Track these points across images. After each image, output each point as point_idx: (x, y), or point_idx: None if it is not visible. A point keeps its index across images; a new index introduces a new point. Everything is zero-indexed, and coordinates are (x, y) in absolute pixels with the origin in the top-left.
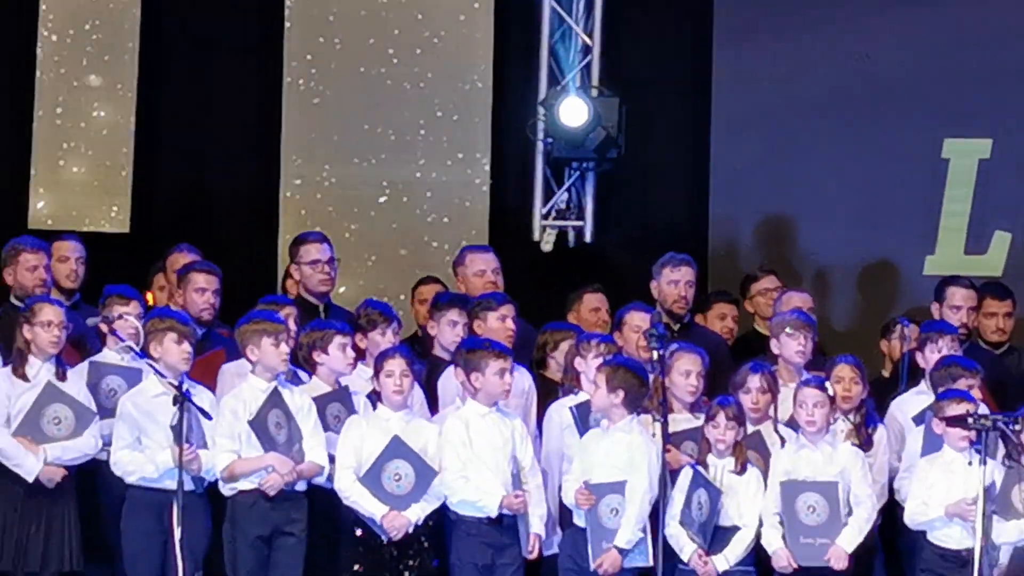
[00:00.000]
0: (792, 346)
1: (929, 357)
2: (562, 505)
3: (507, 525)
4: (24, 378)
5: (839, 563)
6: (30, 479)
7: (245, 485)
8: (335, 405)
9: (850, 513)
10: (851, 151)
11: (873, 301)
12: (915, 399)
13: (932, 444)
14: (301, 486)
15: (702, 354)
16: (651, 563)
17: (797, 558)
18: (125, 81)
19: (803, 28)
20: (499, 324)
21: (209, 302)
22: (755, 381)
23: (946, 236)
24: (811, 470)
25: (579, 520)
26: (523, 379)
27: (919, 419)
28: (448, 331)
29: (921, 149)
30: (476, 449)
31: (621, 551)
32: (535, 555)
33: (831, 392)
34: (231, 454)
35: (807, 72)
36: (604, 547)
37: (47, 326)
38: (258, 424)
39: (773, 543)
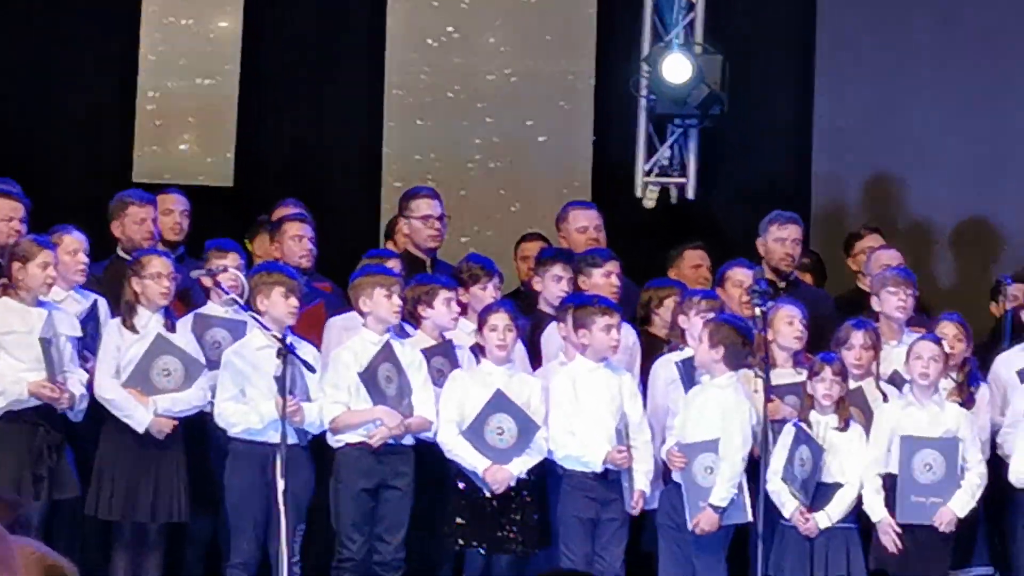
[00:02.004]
0: (892, 302)
1: None
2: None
3: (612, 480)
4: (133, 330)
5: (947, 526)
6: (140, 430)
7: (352, 438)
8: (439, 359)
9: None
10: (956, 108)
11: (978, 259)
12: (1020, 355)
13: None
14: (408, 440)
15: (800, 305)
16: (749, 519)
17: (905, 515)
18: (230, 36)
19: None
20: (604, 280)
21: (306, 248)
22: (858, 337)
23: None
24: (916, 428)
25: (678, 476)
26: (627, 335)
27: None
28: (553, 286)
29: None
30: (582, 404)
31: (717, 509)
32: (638, 511)
33: (947, 348)
34: (340, 406)
35: (912, 28)
36: (700, 506)
37: (156, 278)
38: (368, 377)
39: (877, 511)
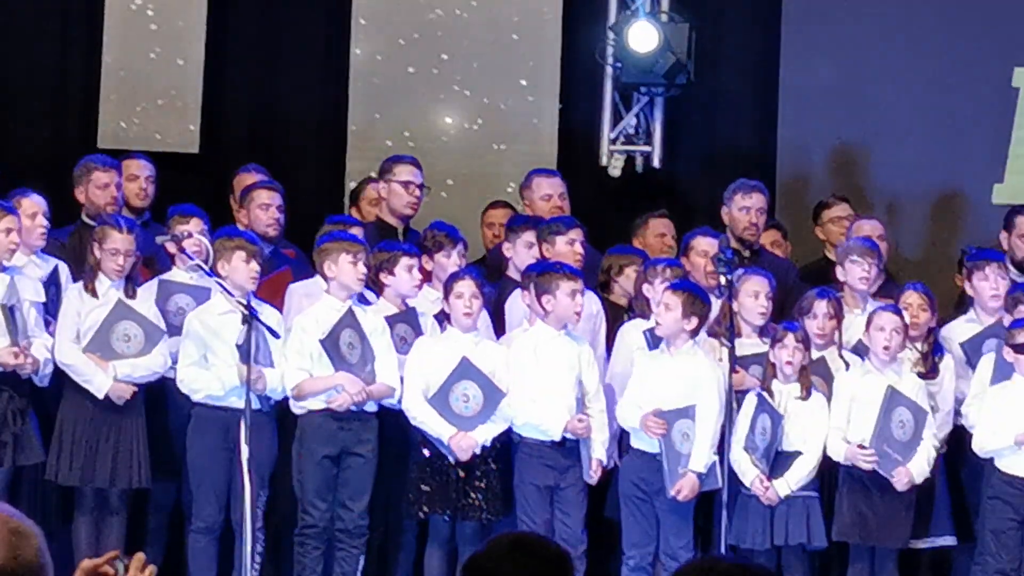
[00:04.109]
0: (856, 272)
1: (977, 286)
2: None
3: (570, 448)
4: (94, 294)
5: (903, 486)
6: (100, 395)
7: (315, 404)
8: (402, 326)
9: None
10: (921, 79)
11: (942, 230)
12: (964, 326)
13: (1003, 372)
14: (371, 407)
15: (768, 277)
16: (720, 485)
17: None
18: (195, 1)
19: None
20: (567, 248)
21: (274, 217)
22: (822, 307)
23: (1015, 165)
24: (873, 396)
25: (639, 443)
26: (592, 303)
27: (968, 346)
28: (524, 252)
29: (992, 77)
30: (542, 372)
31: (699, 475)
32: (596, 480)
33: (911, 318)
34: (302, 372)
35: None
36: (680, 472)
37: (113, 254)
38: (329, 343)
39: (841, 451)
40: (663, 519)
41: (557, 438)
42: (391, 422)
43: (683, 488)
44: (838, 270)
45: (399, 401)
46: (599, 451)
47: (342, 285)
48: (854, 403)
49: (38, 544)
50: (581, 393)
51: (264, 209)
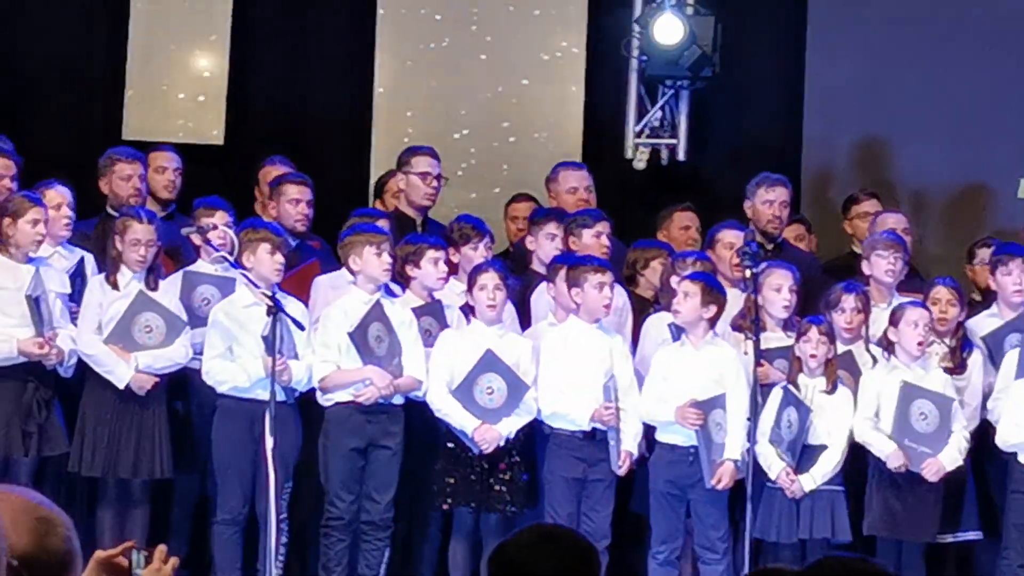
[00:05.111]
0: (882, 266)
1: (1001, 281)
2: None
3: (600, 440)
4: (116, 286)
5: (933, 476)
6: (121, 385)
7: (342, 396)
8: (427, 319)
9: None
10: (946, 72)
11: (966, 224)
12: (986, 321)
13: None
14: (399, 400)
15: (793, 270)
16: (744, 473)
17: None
18: None
19: None
20: (594, 241)
21: (303, 212)
22: (850, 301)
23: None
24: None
25: (666, 437)
26: (618, 296)
27: (990, 340)
28: (547, 244)
29: (1017, 70)
30: (572, 364)
31: (735, 462)
32: (624, 471)
33: (940, 312)
34: (330, 364)
35: None
36: (717, 462)
37: (135, 244)
38: (357, 336)
39: (885, 447)
40: (700, 511)
41: (586, 427)
42: (418, 415)
43: (723, 477)
44: (864, 263)
45: (425, 394)
46: (629, 443)
47: (369, 277)
48: (881, 399)
49: (65, 532)
50: (612, 383)
51: (294, 204)
